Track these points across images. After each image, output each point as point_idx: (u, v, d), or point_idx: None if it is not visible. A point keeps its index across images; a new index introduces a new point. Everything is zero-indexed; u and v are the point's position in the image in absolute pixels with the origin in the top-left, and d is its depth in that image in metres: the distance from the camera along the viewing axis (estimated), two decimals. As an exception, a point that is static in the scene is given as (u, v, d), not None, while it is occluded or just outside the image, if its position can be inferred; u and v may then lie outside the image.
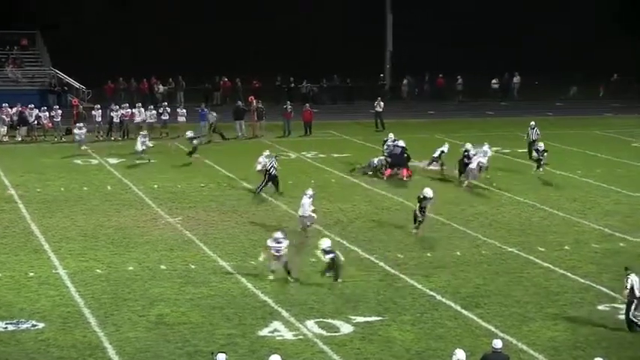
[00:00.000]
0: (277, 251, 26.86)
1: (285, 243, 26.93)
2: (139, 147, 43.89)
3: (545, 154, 41.24)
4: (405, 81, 70.85)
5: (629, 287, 23.16)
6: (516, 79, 72.32)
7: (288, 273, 27.10)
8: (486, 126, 57.39)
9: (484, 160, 39.85)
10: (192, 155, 43.89)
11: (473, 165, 39.32)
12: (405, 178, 40.52)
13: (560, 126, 52.76)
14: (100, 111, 51.55)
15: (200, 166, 43.06)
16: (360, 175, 41.50)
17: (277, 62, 68.69)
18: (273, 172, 37.16)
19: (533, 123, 46.18)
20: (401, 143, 41.43)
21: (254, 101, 53.88)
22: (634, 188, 39.57)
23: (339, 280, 26.81)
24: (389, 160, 41.33)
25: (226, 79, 66.58)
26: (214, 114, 51.33)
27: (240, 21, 73.50)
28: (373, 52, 70.99)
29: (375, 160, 41.71)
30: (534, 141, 44.03)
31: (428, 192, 31.75)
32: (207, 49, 70.89)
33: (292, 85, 66.79)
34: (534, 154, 41.86)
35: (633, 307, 23.19)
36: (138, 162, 43.60)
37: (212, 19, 73.62)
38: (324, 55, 71.60)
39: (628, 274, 23.35)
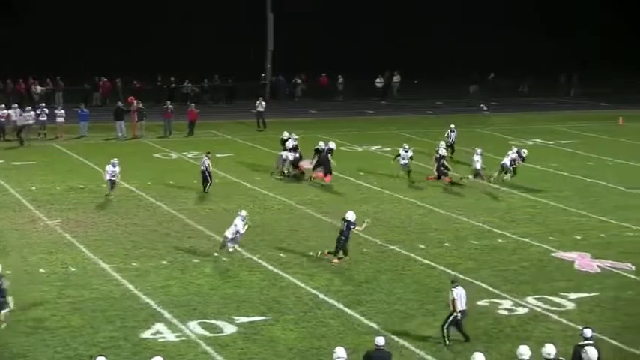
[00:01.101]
0: None
1: None
2: None
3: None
4: (299, 80, 71.15)
5: (451, 299, 22.83)
6: (396, 79, 73.05)
7: None
8: (367, 125, 57.88)
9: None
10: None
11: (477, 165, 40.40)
12: (324, 182, 40.30)
13: (443, 125, 53.32)
14: (-26, 112, 50.45)
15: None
16: (279, 175, 41.35)
17: (158, 62, 68.07)
18: (208, 169, 37.88)
19: (453, 125, 46.95)
20: (330, 145, 41.09)
21: (134, 101, 53.33)
22: (511, 185, 40.36)
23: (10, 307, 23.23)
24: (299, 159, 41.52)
25: (106, 80, 65.67)
26: (24, 116, 49.90)
27: (118, 21, 72.50)
28: (254, 51, 70.90)
29: (291, 157, 41.55)
30: (453, 143, 44.97)
31: (349, 215, 29.65)
32: (87, 48, 69.83)
33: (173, 85, 66.32)
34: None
35: (452, 318, 22.84)
36: None
37: (91, 19, 72.47)
38: (206, 55, 71.23)
39: (453, 287, 23.04)
